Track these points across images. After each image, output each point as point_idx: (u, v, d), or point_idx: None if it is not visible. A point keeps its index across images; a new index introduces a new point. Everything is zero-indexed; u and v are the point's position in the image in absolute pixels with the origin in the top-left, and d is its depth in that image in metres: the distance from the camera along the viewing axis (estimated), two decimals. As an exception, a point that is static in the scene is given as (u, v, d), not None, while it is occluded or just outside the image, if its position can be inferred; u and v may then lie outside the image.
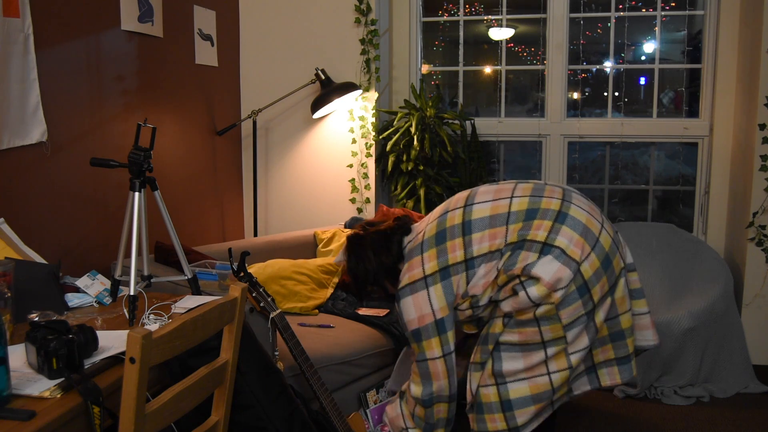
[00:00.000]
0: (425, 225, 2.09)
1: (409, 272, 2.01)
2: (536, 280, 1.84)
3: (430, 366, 1.99)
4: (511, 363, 1.93)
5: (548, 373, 1.91)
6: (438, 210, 2.10)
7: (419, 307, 1.97)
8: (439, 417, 2.07)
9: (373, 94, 3.57)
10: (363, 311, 2.82)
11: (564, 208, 1.94)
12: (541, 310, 1.86)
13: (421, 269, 1.99)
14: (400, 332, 2.62)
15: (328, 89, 3.41)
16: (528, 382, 1.92)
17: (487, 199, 2.01)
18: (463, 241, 1.96)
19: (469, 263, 1.94)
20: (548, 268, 1.83)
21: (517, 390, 1.93)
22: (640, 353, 2.13)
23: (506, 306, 1.92)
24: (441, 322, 1.96)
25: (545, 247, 1.86)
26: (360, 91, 3.50)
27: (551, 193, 2.00)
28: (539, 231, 1.89)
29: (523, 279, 1.86)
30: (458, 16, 3.94)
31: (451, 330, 1.99)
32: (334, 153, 3.68)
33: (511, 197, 1.99)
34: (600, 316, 1.90)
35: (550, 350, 1.89)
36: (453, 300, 1.97)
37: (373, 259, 2.12)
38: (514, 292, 1.89)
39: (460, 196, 2.08)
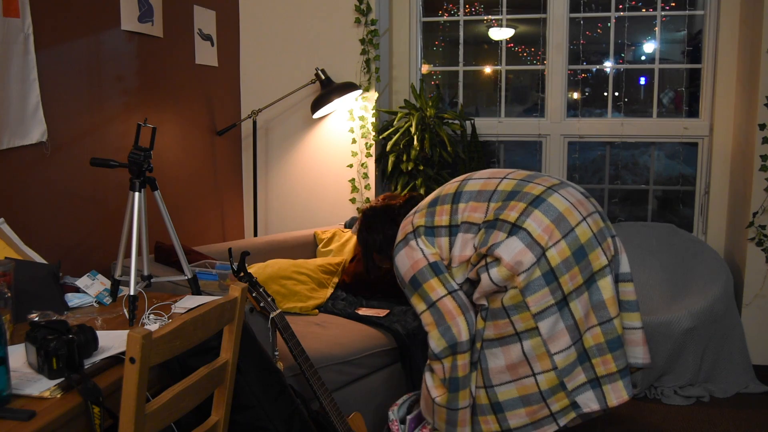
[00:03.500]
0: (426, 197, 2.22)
1: (402, 230, 2.13)
2: (498, 261, 1.86)
3: (440, 306, 1.96)
4: (493, 360, 1.93)
5: (533, 374, 1.89)
6: (440, 187, 2.24)
7: (411, 256, 2.04)
8: (465, 373, 1.96)
9: (373, 94, 3.57)
10: (363, 311, 2.82)
11: (545, 194, 1.95)
12: (507, 296, 1.87)
13: (411, 225, 2.09)
14: (401, 331, 2.62)
15: (328, 89, 3.41)
16: (515, 384, 1.91)
17: (483, 177, 2.11)
18: (450, 208, 2.04)
19: (453, 230, 2.02)
20: (510, 249, 1.85)
21: (505, 393, 1.92)
22: (633, 371, 2.06)
23: (476, 293, 1.94)
24: (435, 265, 2.00)
25: (513, 228, 1.88)
26: (360, 91, 3.50)
27: (542, 181, 2.02)
28: (512, 212, 1.92)
29: (488, 260, 1.89)
30: (458, 16, 3.94)
31: (446, 272, 2.01)
32: (334, 153, 3.68)
33: (503, 178, 2.06)
34: (579, 311, 1.87)
35: (527, 344, 1.88)
36: (436, 251, 2.04)
37: (380, 228, 2.31)
38: (478, 276, 1.91)
39: (462, 175, 2.19)
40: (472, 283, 2.02)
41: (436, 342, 1.97)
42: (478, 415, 1.97)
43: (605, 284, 1.92)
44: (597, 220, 1.98)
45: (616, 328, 1.93)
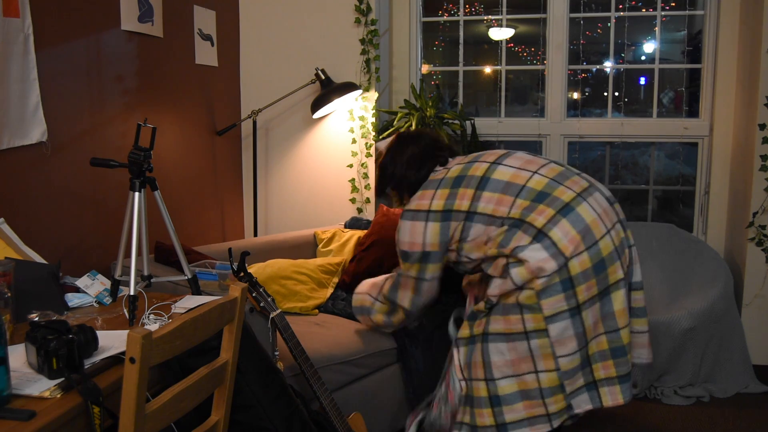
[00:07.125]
0: (455, 164, 2.16)
1: (418, 200, 2.11)
2: (521, 262, 1.87)
3: (401, 279, 2.20)
4: (497, 355, 1.93)
5: (536, 372, 1.90)
6: (471, 156, 2.18)
7: (413, 235, 2.08)
8: (398, 319, 2.34)
9: (373, 94, 3.57)
10: (363, 311, 2.82)
11: (574, 202, 1.93)
12: (523, 295, 1.88)
13: (429, 202, 2.07)
14: (401, 330, 2.62)
15: (328, 89, 3.41)
16: (516, 379, 1.92)
17: (514, 165, 2.05)
18: (474, 194, 2.01)
19: (470, 216, 2.00)
20: (534, 255, 1.85)
21: (505, 387, 1.93)
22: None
23: (494, 289, 1.94)
24: (426, 255, 2.08)
25: (539, 235, 1.87)
26: (360, 91, 3.50)
27: (572, 184, 1.99)
28: (540, 216, 1.90)
29: (511, 261, 1.89)
30: (458, 16, 3.94)
31: (434, 263, 2.10)
32: (334, 153, 3.68)
33: (535, 172, 2.01)
34: (589, 320, 1.88)
35: (534, 343, 1.88)
36: (446, 241, 2.05)
37: (404, 167, 2.22)
38: (505, 273, 1.91)
39: (495, 152, 2.15)
40: (473, 262, 2.06)
41: (386, 287, 2.31)
42: (474, 407, 1.97)
43: (618, 296, 1.93)
44: (619, 231, 1.98)
45: (622, 338, 1.94)
